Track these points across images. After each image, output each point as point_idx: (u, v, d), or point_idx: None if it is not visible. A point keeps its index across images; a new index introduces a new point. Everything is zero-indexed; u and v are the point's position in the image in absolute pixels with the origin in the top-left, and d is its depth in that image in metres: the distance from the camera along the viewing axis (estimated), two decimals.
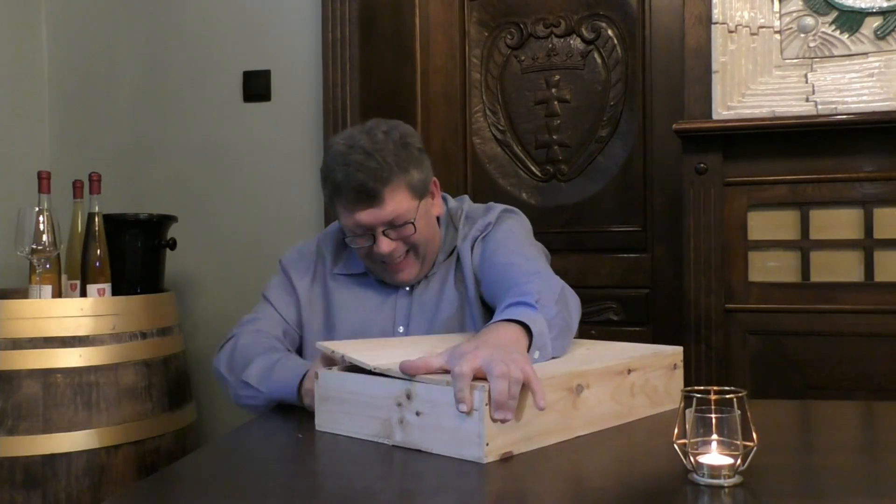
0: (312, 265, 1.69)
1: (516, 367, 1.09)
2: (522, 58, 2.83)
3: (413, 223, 1.52)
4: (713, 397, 0.98)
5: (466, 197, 1.75)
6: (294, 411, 1.45)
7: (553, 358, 1.32)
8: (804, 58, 2.13)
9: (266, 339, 1.60)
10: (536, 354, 1.28)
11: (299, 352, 1.66)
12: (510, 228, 1.63)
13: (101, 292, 2.04)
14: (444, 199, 1.70)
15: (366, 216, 1.49)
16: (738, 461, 0.97)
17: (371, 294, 1.64)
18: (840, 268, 2.10)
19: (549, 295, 1.36)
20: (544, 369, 1.20)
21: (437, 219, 1.64)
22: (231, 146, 2.60)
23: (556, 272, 1.54)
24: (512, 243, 1.58)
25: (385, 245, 1.51)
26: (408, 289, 1.63)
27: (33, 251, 1.97)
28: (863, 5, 2.08)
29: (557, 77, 2.79)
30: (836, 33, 2.10)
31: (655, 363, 1.37)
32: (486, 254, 1.58)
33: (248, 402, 1.51)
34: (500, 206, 1.68)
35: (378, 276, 1.62)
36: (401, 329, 1.60)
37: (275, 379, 1.45)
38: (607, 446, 1.19)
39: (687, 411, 0.99)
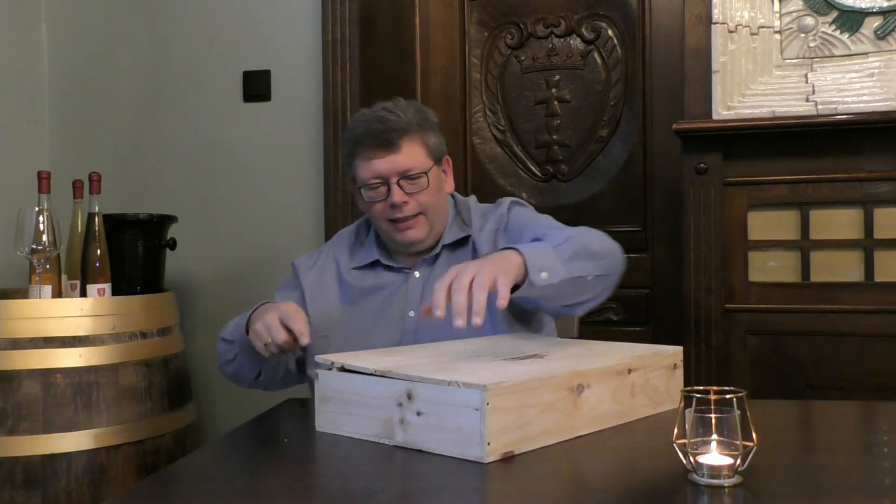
0: (322, 263, 1.74)
1: (484, 273, 1.23)
2: (522, 58, 2.83)
3: (427, 176, 1.59)
4: (713, 397, 0.98)
5: (475, 197, 1.80)
6: (294, 411, 1.45)
7: (579, 277, 1.40)
8: (804, 58, 2.13)
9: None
10: (544, 275, 1.34)
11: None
12: (525, 212, 1.71)
13: (101, 292, 2.04)
14: (452, 195, 1.75)
15: (382, 164, 1.57)
16: (738, 461, 0.97)
17: (383, 282, 1.69)
18: (840, 268, 2.10)
19: (562, 234, 1.49)
20: (545, 369, 1.20)
21: (450, 200, 1.71)
22: (231, 146, 2.60)
23: None
24: (538, 220, 1.67)
25: (398, 195, 1.57)
26: (416, 274, 1.66)
27: (33, 251, 1.97)
28: (863, 5, 2.08)
29: (557, 77, 2.79)
30: (837, 33, 2.10)
31: (655, 363, 1.37)
32: (512, 237, 1.62)
33: (227, 356, 1.60)
34: (507, 199, 1.74)
35: (389, 238, 1.66)
36: (411, 313, 1.63)
37: (238, 323, 1.54)
38: (608, 446, 1.19)
39: (687, 411, 0.99)
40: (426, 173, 1.60)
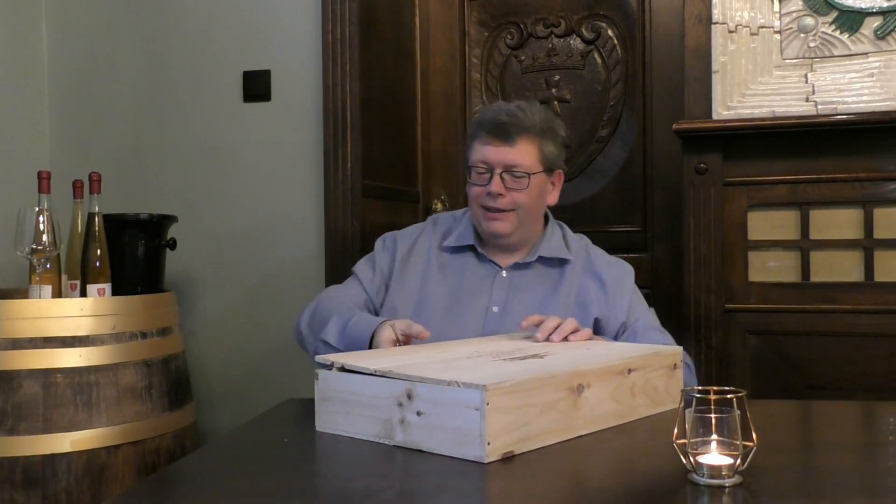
0: (417, 234, 1.81)
1: (572, 323, 1.48)
2: (522, 58, 2.83)
3: (530, 178, 1.65)
4: (713, 397, 0.98)
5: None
6: (294, 411, 1.45)
7: None
8: (804, 58, 2.13)
9: (344, 303, 1.68)
10: None
11: None
12: (638, 293, 1.78)
13: (101, 292, 2.04)
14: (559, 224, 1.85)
15: (493, 152, 1.65)
16: (738, 461, 0.97)
17: (472, 270, 1.74)
18: (840, 268, 2.10)
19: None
20: (545, 369, 1.20)
21: (546, 214, 1.80)
22: (231, 146, 2.60)
23: None
24: (643, 308, 1.76)
25: (497, 185, 1.65)
26: (504, 273, 1.72)
27: (33, 251, 1.97)
28: (863, 5, 2.08)
29: (557, 77, 2.79)
30: (836, 33, 2.10)
31: (655, 363, 1.37)
32: (614, 305, 1.71)
33: (320, 353, 1.59)
34: (618, 260, 1.81)
35: (478, 222, 1.73)
36: (495, 308, 1.69)
37: (349, 334, 1.55)
38: (608, 446, 1.19)
39: (687, 411, 0.99)
40: (530, 175, 1.66)
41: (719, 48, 2.14)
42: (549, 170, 1.71)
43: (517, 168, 1.65)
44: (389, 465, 1.13)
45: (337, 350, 1.57)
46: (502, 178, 1.65)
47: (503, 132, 1.64)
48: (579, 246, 1.79)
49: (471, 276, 1.74)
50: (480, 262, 1.75)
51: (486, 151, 1.66)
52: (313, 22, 2.52)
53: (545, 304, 1.68)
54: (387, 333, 1.50)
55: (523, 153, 1.65)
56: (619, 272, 1.76)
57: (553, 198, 1.76)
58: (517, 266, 1.73)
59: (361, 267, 1.82)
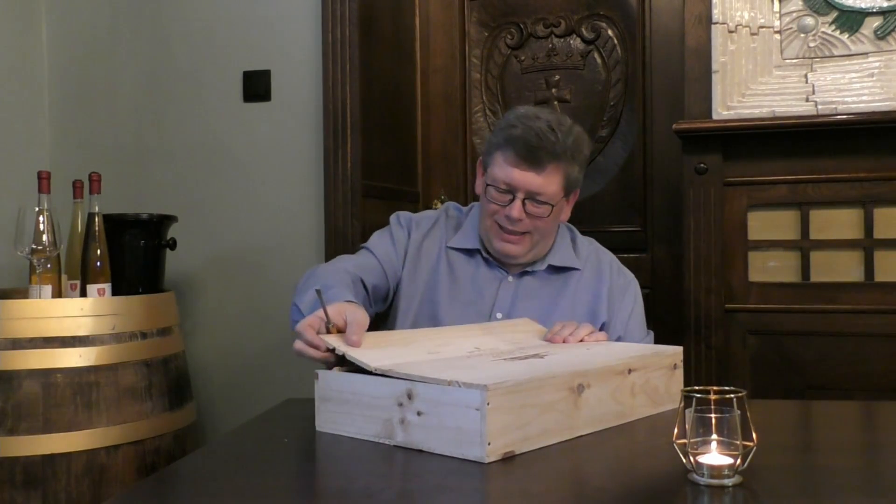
0: (431, 224, 1.76)
1: (586, 328, 1.48)
2: (522, 58, 2.83)
3: (551, 207, 1.60)
4: (713, 397, 0.98)
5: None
6: (294, 411, 1.45)
7: None
8: (804, 58, 2.13)
9: (342, 273, 1.58)
10: None
11: (386, 306, 1.71)
12: (640, 300, 1.77)
13: (101, 292, 2.04)
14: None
15: (520, 176, 1.57)
16: (738, 461, 0.97)
17: (478, 273, 1.71)
18: (840, 268, 2.10)
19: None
20: (545, 369, 1.20)
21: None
22: (231, 146, 2.60)
23: None
24: (641, 317, 1.76)
25: (517, 211, 1.58)
26: (510, 279, 1.70)
27: (33, 251, 1.97)
28: (863, 5, 2.08)
29: (557, 77, 2.79)
30: (836, 33, 2.10)
31: (655, 363, 1.37)
32: (623, 315, 1.71)
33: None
34: (626, 270, 1.79)
35: (488, 237, 1.67)
36: (499, 315, 1.66)
37: (307, 302, 1.46)
38: (608, 446, 1.19)
39: (687, 411, 0.99)
40: (552, 205, 1.60)
41: (719, 48, 2.14)
42: (568, 193, 1.65)
43: (541, 196, 1.58)
44: (389, 464, 1.13)
45: (302, 316, 1.46)
46: (523, 204, 1.58)
47: (534, 157, 1.56)
48: (589, 252, 1.76)
49: (477, 279, 1.71)
50: (488, 266, 1.71)
51: (513, 174, 1.57)
52: (313, 22, 2.52)
53: (550, 311, 1.66)
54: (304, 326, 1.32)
55: (550, 181, 1.58)
56: (624, 282, 1.75)
57: (566, 215, 1.71)
58: (524, 273, 1.71)
59: (376, 240, 1.73)
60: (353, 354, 1.23)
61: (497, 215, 1.62)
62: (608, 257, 1.78)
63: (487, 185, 1.62)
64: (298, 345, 1.31)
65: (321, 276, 1.55)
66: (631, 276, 1.78)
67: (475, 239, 1.71)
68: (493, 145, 1.63)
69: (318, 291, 1.30)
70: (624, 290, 1.73)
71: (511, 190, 1.58)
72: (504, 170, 1.58)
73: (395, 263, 1.70)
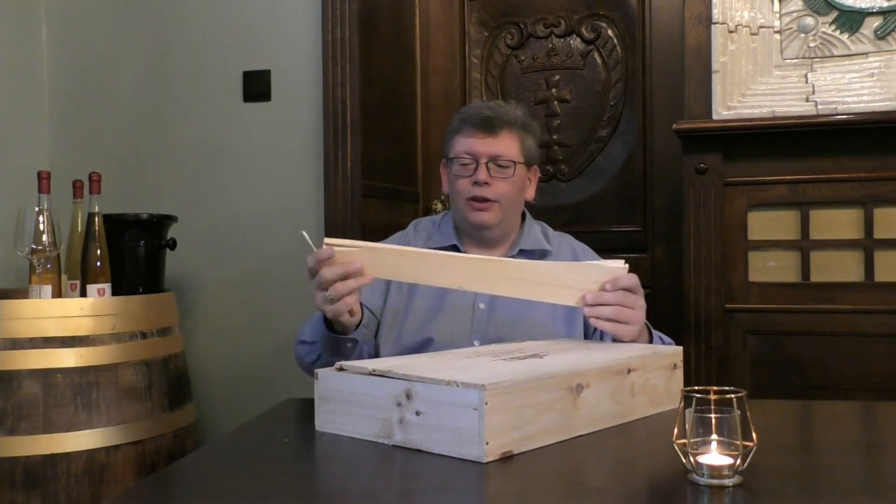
0: (404, 241, 1.81)
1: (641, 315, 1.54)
2: (522, 58, 2.83)
3: (514, 167, 1.70)
4: (713, 397, 0.98)
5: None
6: (294, 411, 1.45)
7: None
8: (804, 58, 2.13)
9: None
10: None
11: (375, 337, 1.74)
12: None
13: (101, 292, 2.04)
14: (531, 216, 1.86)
15: (479, 144, 1.70)
16: (738, 461, 0.97)
17: None
18: (840, 268, 2.10)
19: None
20: (544, 369, 1.20)
21: (523, 212, 1.82)
22: (231, 146, 2.61)
23: None
24: None
25: (483, 174, 1.69)
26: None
27: (33, 251, 1.97)
28: (863, 5, 2.08)
29: (557, 77, 2.79)
30: (836, 33, 2.10)
31: (655, 363, 1.37)
32: None
33: (310, 358, 1.61)
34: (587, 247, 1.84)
35: (462, 217, 1.74)
36: (481, 305, 1.69)
37: (315, 322, 1.56)
38: (607, 446, 1.19)
39: (687, 411, 0.99)
40: (515, 164, 1.70)
41: (719, 48, 2.14)
42: (528, 164, 1.75)
43: (502, 158, 1.69)
44: (389, 464, 1.13)
45: (314, 344, 1.58)
46: (487, 168, 1.69)
47: (487, 124, 1.69)
48: (561, 240, 1.81)
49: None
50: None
51: (472, 143, 1.70)
52: (313, 22, 2.52)
53: (528, 311, 1.67)
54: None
55: (507, 144, 1.70)
56: (576, 245, 1.81)
57: (530, 193, 1.80)
58: None
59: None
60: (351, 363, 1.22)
61: (466, 189, 1.70)
62: (582, 245, 1.83)
63: (452, 160, 1.72)
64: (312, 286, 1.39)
65: (310, 321, 1.62)
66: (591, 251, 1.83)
67: (451, 236, 1.78)
68: (449, 135, 1.76)
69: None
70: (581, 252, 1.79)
71: (474, 158, 1.70)
72: (464, 143, 1.71)
73: (377, 299, 1.73)
